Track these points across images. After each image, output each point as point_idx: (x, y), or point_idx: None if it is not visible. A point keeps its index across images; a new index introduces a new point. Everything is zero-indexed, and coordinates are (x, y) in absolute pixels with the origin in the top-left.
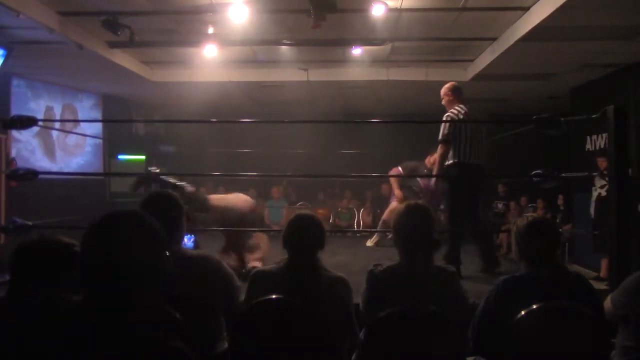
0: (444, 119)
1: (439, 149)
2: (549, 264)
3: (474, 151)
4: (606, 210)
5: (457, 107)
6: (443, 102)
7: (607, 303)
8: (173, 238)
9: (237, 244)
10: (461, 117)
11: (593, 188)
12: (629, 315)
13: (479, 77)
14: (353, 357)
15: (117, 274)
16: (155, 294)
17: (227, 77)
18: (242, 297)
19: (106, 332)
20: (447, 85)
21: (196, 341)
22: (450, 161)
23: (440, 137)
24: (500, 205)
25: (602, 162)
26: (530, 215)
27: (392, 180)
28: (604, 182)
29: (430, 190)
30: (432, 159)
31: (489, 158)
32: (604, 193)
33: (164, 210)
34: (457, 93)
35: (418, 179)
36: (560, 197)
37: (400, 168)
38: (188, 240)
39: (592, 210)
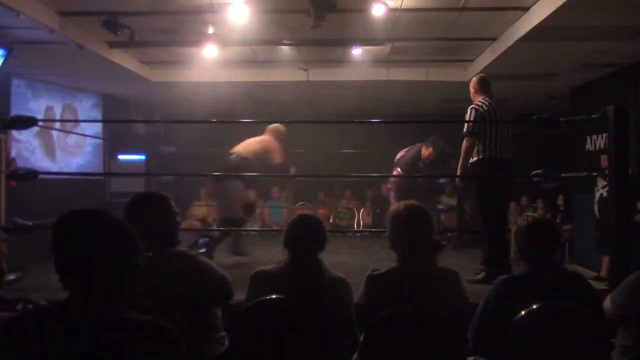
0: (468, 110)
1: (465, 142)
2: (549, 264)
3: (500, 146)
4: (609, 210)
5: (481, 100)
6: (471, 95)
7: (607, 303)
8: (164, 238)
9: None
10: (485, 108)
11: (595, 189)
12: (629, 315)
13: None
14: (354, 357)
15: (93, 268)
16: (137, 285)
17: (227, 77)
18: (239, 297)
19: (92, 324)
20: (474, 77)
21: (195, 341)
22: (475, 158)
23: (465, 129)
24: None
25: (605, 160)
26: (530, 215)
27: (392, 188)
28: (605, 183)
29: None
30: (427, 152)
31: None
32: (605, 193)
33: (153, 211)
34: (481, 86)
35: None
36: (560, 197)
37: (399, 169)
38: (201, 243)
39: (596, 212)
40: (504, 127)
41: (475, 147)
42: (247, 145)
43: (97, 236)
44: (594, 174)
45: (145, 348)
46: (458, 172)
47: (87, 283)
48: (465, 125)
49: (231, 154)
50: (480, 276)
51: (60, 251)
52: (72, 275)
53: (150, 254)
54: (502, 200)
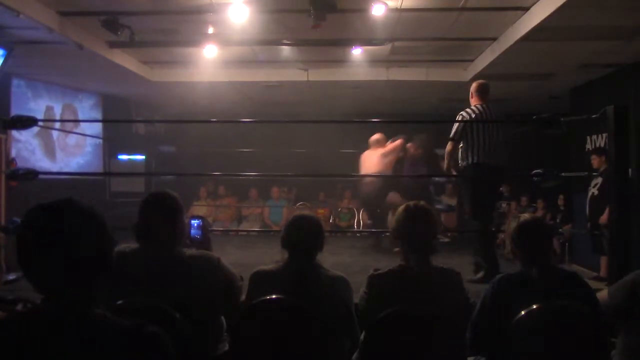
0: (457, 117)
1: (447, 146)
2: (541, 263)
3: (488, 152)
4: (599, 209)
5: (472, 107)
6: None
7: (603, 294)
8: (173, 238)
9: None
10: (473, 116)
11: (588, 188)
12: (631, 309)
13: (479, 77)
14: (354, 356)
15: (65, 266)
16: (109, 281)
17: (227, 77)
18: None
19: (71, 330)
20: (474, 83)
21: (197, 342)
22: (464, 162)
23: (451, 134)
24: (504, 205)
25: (594, 160)
26: (522, 215)
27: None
28: (596, 182)
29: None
30: (412, 147)
31: (506, 159)
32: (596, 192)
33: (161, 210)
34: (479, 92)
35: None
36: (561, 197)
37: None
38: (194, 226)
39: (587, 211)
40: (495, 133)
41: (464, 152)
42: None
43: (69, 231)
44: (594, 173)
45: (133, 356)
46: (445, 170)
47: (62, 284)
48: (453, 129)
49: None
50: (480, 275)
51: (29, 250)
52: (44, 276)
53: (153, 252)
54: (487, 203)
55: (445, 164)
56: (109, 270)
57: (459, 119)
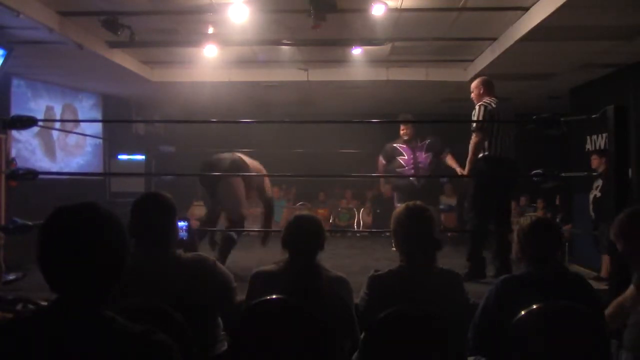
0: (477, 108)
1: (474, 138)
2: (550, 264)
3: (503, 145)
4: (602, 211)
5: (488, 99)
6: (472, 96)
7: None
8: (167, 240)
9: None
10: (494, 106)
11: (591, 190)
12: None
13: (479, 77)
14: (354, 357)
15: (82, 269)
16: (124, 285)
17: (227, 77)
18: (239, 297)
19: (80, 332)
20: (478, 79)
21: (196, 343)
22: (480, 154)
23: (474, 125)
24: None
25: (594, 160)
26: (533, 214)
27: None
28: (598, 184)
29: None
30: (402, 131)
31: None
32: (598, 194)
33: (157, 211)
34: (488, 86)
35: (398, 157)
36: (561, 197)
37: (381, 157)
38: (181, 229)
39: (592, 212)
40: (508, 127)
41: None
42: None
43: (91, 234)
44: (594, 173)
45: None
46: (466, 168)
47: (78, 285)
48: (474, 121)
49: None
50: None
51: (49, 250)
52: (61, 276)
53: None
54: (502, 199)
55: (470, 158)
56: (123, 273)
57: (482, 110)
